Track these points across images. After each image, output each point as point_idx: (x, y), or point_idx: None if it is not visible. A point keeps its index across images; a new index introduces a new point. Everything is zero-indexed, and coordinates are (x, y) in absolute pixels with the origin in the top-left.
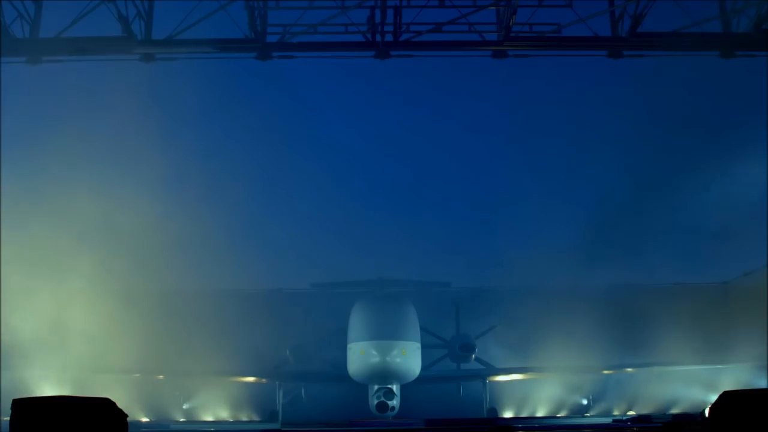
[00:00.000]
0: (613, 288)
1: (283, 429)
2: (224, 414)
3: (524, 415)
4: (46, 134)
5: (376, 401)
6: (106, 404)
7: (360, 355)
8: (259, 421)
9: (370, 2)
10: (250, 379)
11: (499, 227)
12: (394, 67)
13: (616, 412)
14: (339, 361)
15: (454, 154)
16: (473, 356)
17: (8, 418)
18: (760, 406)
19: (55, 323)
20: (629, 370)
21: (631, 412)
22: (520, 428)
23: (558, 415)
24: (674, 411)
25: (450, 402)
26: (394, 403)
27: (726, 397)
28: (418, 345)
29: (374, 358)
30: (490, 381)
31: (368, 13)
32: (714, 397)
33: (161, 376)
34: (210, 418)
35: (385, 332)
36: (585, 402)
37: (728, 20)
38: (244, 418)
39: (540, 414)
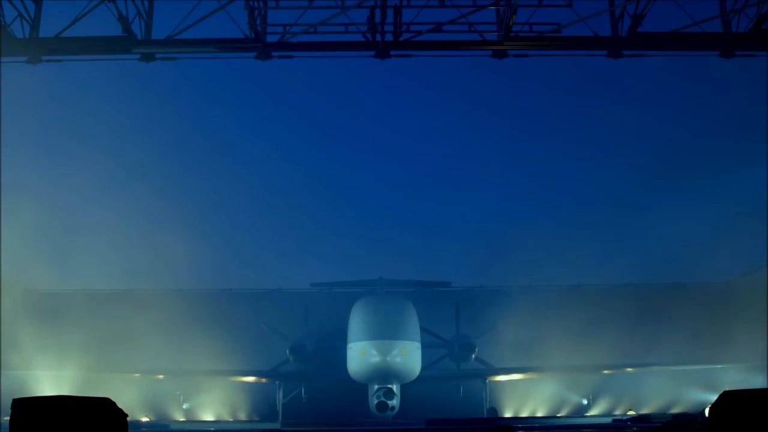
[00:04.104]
0: (614, 288)
1: (283, 429)
2: (224, 414)
3: (524, 415)
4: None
5: (376, 401)
6: (106, 404)
7: (360, 355)
8: (259, 421)
9: (370, 2)
10: (250, 378)
11: (499, 227)
12: (393, 68)
13: (616, 412)
14: (339, 361)
15: (455, 154)
16: (473, 356)
17: (8, 418)
18: (760, 406)
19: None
20: (629, 370)
21: (631, 412)
22: (520, 428)
23: (558, 415)
24: (674, 411)
25: (450, 402)
26: (394, 402)
27: (726, 397)
28: (418, 345)
29: (374, 358)
30: (490, 381)
31: (368, 12)
32: (714, 397)
33: (161, 376)
34: (210, 418)
35: (385, 332)
36: (585, 402)
37: (728, 20)
38: (244, 418)
39: (540, 414)
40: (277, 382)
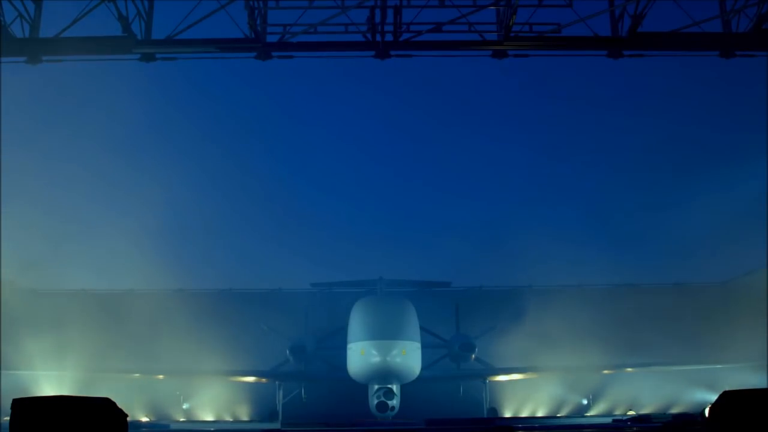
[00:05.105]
0: (613, 288)
1: (283, 429)
2: (224, 414)
3: (524, 415)
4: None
5: (376, 401)
6: (106, 404)
7: (360, 355)
8: (259, 421)
9: (370, 2)
10: (250, 379)
11: (499, 227)
12: (393, 68)
13: (616, 412)
14: (339, 361)
15: (455, 154)
16: (473, 356)
17: (8, 418)
18: (760, 406)
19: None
20: (629, 370)
21: (631, 412)
22: (520, 428)
23: (558, 415)
24: (674, 411)
25: (450, 402)
26: (394, 403)
27: (726, 397)
28: (418, 345)
29: (374, 358)
30: (490, 381)
31: (368, 12)
32: (714, 397)
33: (161, 376)
34: (210, 418)
35: (385, 332)
36: (585, 402)
37: (728, 20)
38: (244, 418)
39: (540, 414)
40: (277, 382)
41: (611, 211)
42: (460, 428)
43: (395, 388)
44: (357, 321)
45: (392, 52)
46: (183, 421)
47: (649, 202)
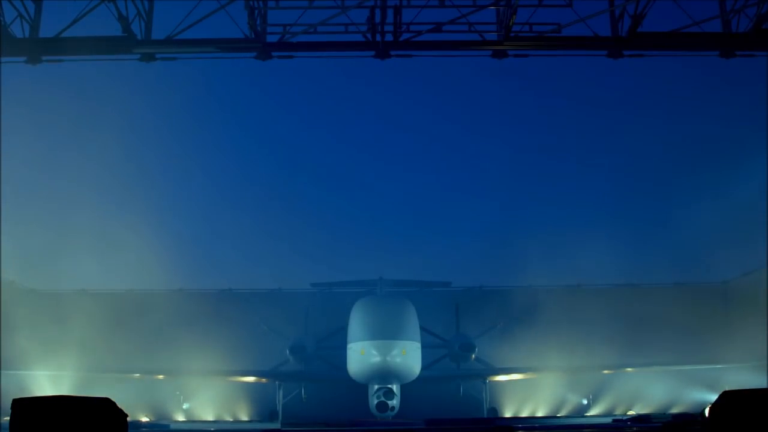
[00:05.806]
0: (613, 288)
1: (283, 429)
2: (224, 414)
3: (524, 415)
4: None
5: (376, 401)
6: (106, 404)
7: (360, 355)
8: (259, 421)
9: (370, 2)
10: (250, 379)
11: (499, 227)
12: (394, 67)
13: (616, 412)
14: (339, 361)
15: (454, 155)
16: (473, 356)
17: (8, 418)
18: (760, 406)
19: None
20: (629, 370)
21: (631, 412)
22: (520, 428)
23: (558, 415)
24: (674, 411)
25: (450, 402)
26: (394, 403)
27: (726, 397)
28: (418, 345)
29: (374, 358)
30: (490, 381)
31: (368, 12)
32: (714, 397)
33: (161, 376)
34: (210, 418)
35: (386, 332)
36: (585, 402)
37: (728, 20)
38: (244, 418)
39: (540, 414)
40: (277, 382)
41: (611, 210)
42: (460, 428)
43: (395, 388)
44: (357, 321)
45: (392, 52)
46: (183, 421)
47: (650, 202)
